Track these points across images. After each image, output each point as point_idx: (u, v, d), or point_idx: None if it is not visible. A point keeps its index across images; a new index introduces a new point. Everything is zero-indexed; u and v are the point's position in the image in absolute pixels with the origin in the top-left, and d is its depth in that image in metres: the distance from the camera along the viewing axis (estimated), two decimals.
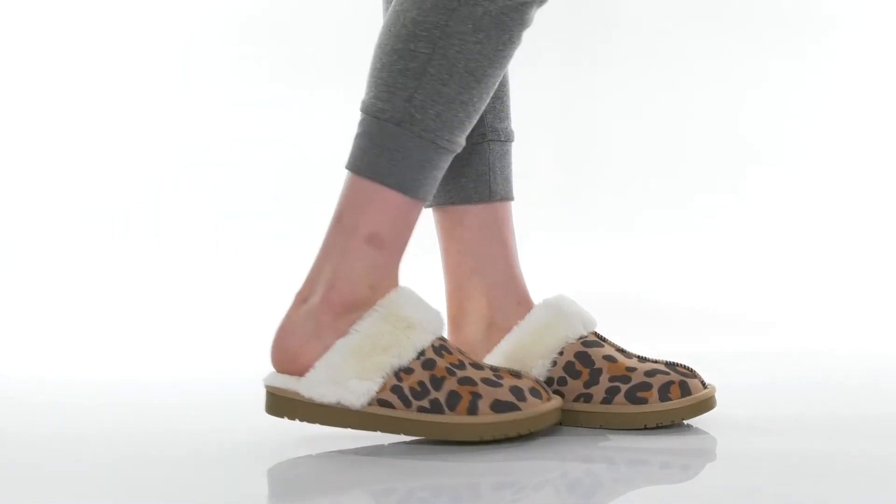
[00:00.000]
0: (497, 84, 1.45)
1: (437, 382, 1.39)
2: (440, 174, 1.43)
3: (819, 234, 2.54)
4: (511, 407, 1.39)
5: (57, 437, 1.50)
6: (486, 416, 1.38)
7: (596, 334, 1.53)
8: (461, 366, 1.41)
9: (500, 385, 1.40)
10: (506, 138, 1.56)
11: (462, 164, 1.54)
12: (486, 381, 1.40)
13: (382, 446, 1.41)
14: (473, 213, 1.54)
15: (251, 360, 1.97)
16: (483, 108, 1.44)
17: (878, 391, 1.73)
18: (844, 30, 2.63)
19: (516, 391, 1.40)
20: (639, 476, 1.33)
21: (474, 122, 1.44)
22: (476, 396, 1.39)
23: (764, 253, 2.50)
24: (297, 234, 2.45)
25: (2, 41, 2.53)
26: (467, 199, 1.54)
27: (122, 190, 2.50)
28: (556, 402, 1.43)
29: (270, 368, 1.44)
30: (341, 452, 1.39)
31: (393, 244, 1.42)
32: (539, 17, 1.48)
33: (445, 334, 1.54)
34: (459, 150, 1.44)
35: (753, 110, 2.62)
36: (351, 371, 1.38)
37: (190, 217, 2.49)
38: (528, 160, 2.46)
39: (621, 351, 1.52)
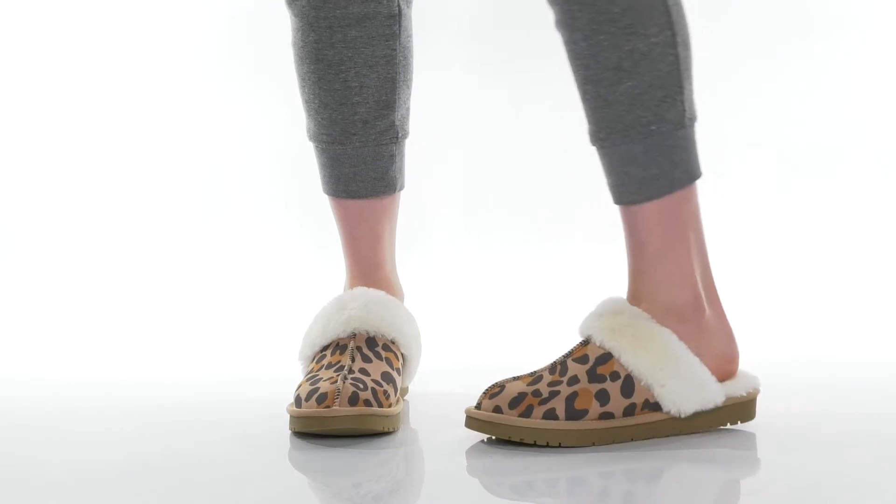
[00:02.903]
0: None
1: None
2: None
3: (823, 235, 2.51)
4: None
5: (57, 439, 1.50)
6: None
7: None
8: None
9: None
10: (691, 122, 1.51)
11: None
12: None
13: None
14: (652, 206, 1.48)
15: (252, 361, 1.99)
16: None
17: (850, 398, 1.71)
18: (853, 28, 2.61)
19: None
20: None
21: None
22: None
23: (758, 253, 2.48)
24: (298, 234, 2.45)
25: (1, 40, 2.53)
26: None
27: (122, 189, 2.50)
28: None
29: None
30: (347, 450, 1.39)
31: None
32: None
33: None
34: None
35: (762, 109, 2.59)
36: None
37: (189, 216, 2.49)
38: (533, 159, 2.46)
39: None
